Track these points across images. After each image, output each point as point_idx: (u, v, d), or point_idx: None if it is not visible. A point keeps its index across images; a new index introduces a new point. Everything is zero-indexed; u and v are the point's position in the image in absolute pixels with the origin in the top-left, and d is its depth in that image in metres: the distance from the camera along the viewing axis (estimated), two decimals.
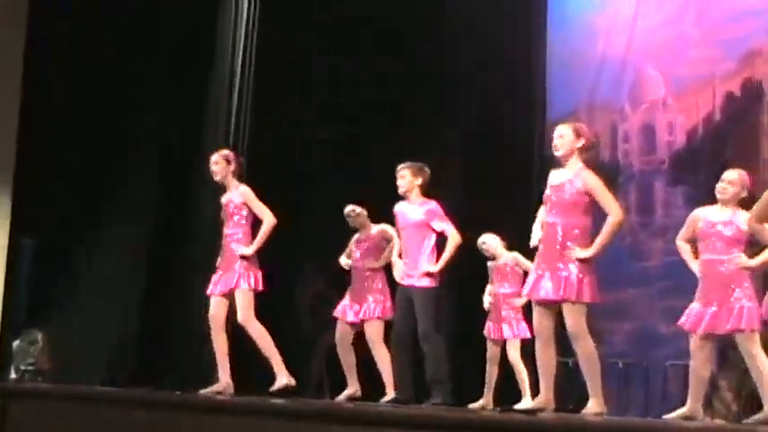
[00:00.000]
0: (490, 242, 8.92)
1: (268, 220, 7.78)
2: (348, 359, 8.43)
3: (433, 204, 7.75)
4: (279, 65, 11.18)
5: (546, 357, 6.50)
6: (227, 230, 7.97)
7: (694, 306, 6.94)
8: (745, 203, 6.92)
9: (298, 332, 10.74)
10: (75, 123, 10.88)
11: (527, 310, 8.46)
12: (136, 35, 11.04)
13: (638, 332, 9.91)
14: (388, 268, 8.23)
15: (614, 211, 6.45)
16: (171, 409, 6.58)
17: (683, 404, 7.35)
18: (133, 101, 11.00)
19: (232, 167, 7.98)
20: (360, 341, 8.42)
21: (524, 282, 8.48)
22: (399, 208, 7.86)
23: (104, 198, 11.00)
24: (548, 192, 6.63)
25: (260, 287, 7.84)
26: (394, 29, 11.35)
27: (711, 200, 9.94)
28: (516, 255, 8.77)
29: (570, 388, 9.44)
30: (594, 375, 6.46)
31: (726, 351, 9.67)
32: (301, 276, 11.07)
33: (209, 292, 7.99)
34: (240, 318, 7.79)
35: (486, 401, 8.59)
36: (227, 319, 7.89)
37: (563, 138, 6.65)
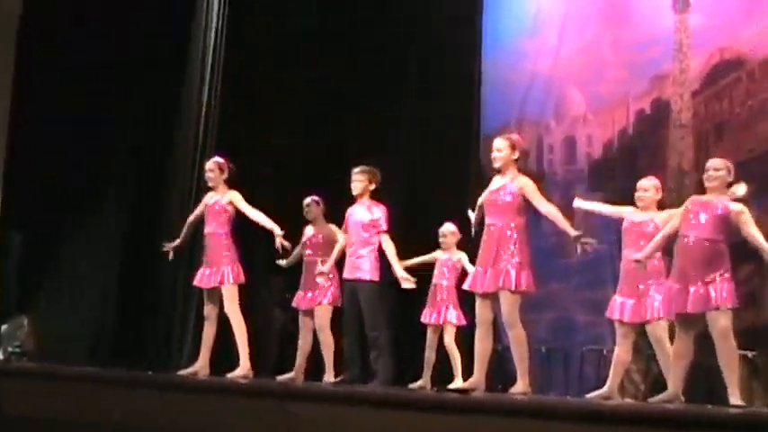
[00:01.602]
0: (450, 237, 8.77)
1: (266, 220, 7.85)
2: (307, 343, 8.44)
3: (382, 208, 7.74)
4: (247, 72, 11.10)
5: (484, 343, 6.55)
6: (209, 229, 7.99)
7: (617, 298, 7.04)
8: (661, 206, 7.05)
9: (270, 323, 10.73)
10: (61, 123, 10.71)
11: (461, 300, 8.53)
12: (109, 36, 10.89)
13: (558, 321, 10.01)
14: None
15: (544, 206, 6.57)
16: (144, 387, 6.56)
17: (597, 385, 7.44)
18: (111, 102, 10.86)
19: (224, 176, 8.04)
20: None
21: (462, 277, 8.55)
22: (352, 209, 7.83)
23: (86, 194, 10.88)
24: (485, 196, 6.67)
25: (242, 280, 7.90)
26: (345, 44, 11.32)
27: (625, 204, 10.08)
28: (463, 255, 8.69)
29: (499, 371, 9.52)
30: (523, 360, 6.53)
31: (636, 339, 9.79)
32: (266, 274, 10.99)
33: (199, 283, 8.02)
34: (226, 308, 7.82)
35: (424, 381, 8.62)
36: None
37: (501, 151, 6.70)
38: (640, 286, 6.98)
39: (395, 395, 5.64)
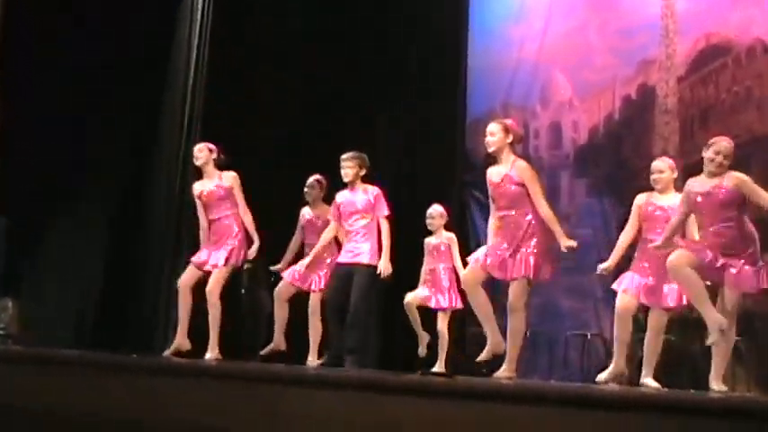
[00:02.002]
0: (439, 219, 8.60)
1: (249, 217, 7.81)
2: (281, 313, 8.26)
3: (377, 190, 7.65)
4: (232, 59, 11.03)
5: (477, 302, 6.54)
6: (214, 215, 7.85)
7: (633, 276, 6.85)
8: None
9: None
10: (47, 111, 10.65)
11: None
12: (95, 26, 10.82)
13: (543, 306, 9.99)
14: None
15: (543, 208, 6.46)
16: (127, 371, 6.51)
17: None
18: (96, 90, 10.80)
19: (214, 155, 7.93)
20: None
21: (451, 257, 8.46)
22: (343, 196, 7.70)
23: (71, 180, 10.83)
24: (491, 190, 6.60)
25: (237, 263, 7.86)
26: (333, 35, 11.26)
27: (610, 190, 10.09)
28: (452, 236, 8.59)
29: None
30: (515, 346, 6.50)
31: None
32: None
33: (202, 262, 7.86)
34: (209, 287, 7.73)
35: (440, 366, 8.44)
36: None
37: (494, 135, 6.60)
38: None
39: (381, 379, 5.61)
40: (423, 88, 11.20)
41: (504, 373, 6.44)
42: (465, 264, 8.56)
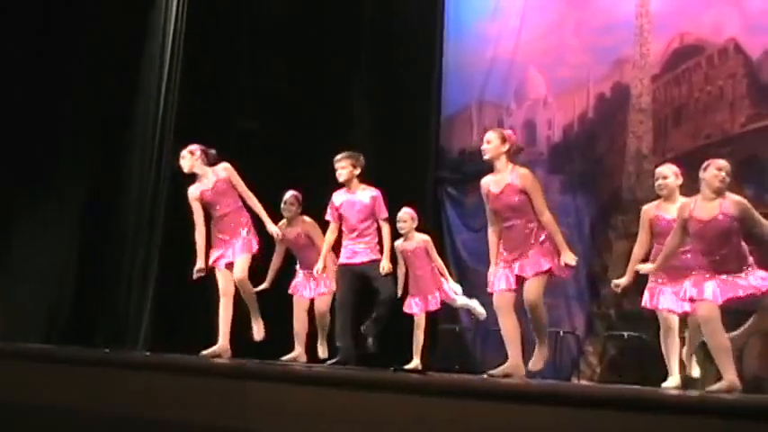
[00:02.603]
0: (410, 222, 8.38)
1: (258, 205, 7.68)
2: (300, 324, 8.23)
3: (376, 192, 7.56)
4: (207, 50, 10.98)
5: (509, 325, 6.44)
6: (219, 212, 7.64)
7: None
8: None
9: None
10: (18, 97, 10.56)
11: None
12: (64, 15, 10.75)
13: (516, 303, 10.02)
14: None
15: (546, 218, 6.37)
16: (100, 365, 6.48)
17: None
18: (69, 77, 10.73)
19: (196, 158, 7.68)
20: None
21: (428, 257, 8.41)
22: (341, 197, 7.60)
23: (43, 169, 10.76)
24: (493, 201, 6.46)
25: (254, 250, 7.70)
26: (309, 32, 11.23)
27: (584, 187, 10.14)
28: (427, 238, 8.46)
29: (456, 350, 9.51)
30: (543, 338, 6.48)
31: (592, 320, 9.86)
32: None
33: (217, 264, 7.65)
34: (238, 278, 7.56)
35: (414, 364, 8.40)
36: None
37: (490, 143, 6.47)
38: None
39: (355, 376, 5.61)
40: (398, 84, 11.20)
41: (504, 369, 6.35)
42: (444, 262, 8.64)
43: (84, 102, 10.90)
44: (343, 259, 7.54)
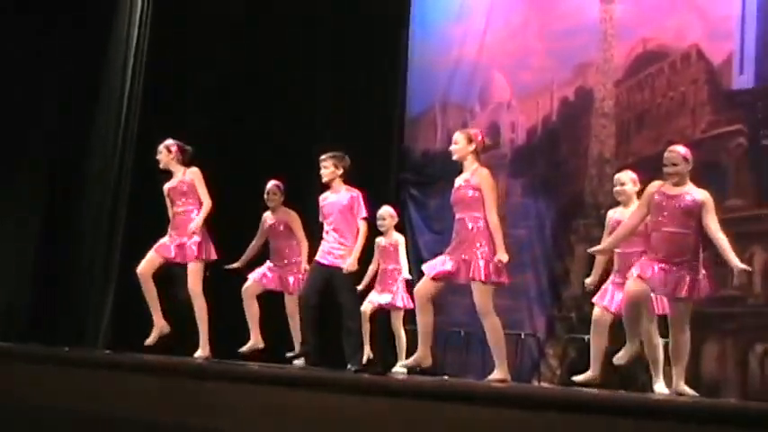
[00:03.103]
0: (390, 220, 8.75)
1: (207, 203, 7.80)
2: (252, 311, 8.21)
3: (356, 192, 7.62)
4: (171, 54, 10.94)
5: (425, 318, 6.59)
6: (178, 208, 7.87)
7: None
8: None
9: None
10: None
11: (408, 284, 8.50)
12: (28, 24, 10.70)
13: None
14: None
15: (491, 216, 6.48)
16: (57, 363, 6.45)
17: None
18: (28, 71, 10.67)
19: (172, 155, 7.93)
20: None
21: (398, 258, 8.56)
22: (325, 197, 7.66)
23: (1, 168, 10.68)
24: (452, 196, 6.66)
25: (213, 256, 7.84)
26: (271, 34, 11.20)
27: (546, 191, 10.19)
28: (401, 238, 8.74)
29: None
30: (499, 347, 6.53)
31: (553, 323, 9.91)
32: None
33: (163, 252, 7.82)
34: (190, 285, 7.74)
35: (402, 364, 8.44)
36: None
37: (457, 144, 6.69)
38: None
39: (318, 377, 5.63)
40: (362, 85, 11.19)
41: (496, 376, 6.44)
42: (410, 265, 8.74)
43: (45, 100, 10.83)
44: (318, 256, 7.60)
